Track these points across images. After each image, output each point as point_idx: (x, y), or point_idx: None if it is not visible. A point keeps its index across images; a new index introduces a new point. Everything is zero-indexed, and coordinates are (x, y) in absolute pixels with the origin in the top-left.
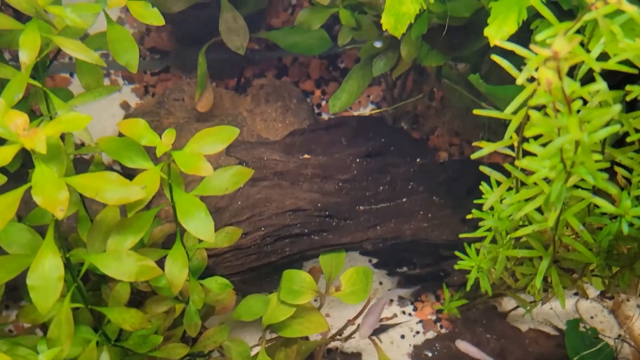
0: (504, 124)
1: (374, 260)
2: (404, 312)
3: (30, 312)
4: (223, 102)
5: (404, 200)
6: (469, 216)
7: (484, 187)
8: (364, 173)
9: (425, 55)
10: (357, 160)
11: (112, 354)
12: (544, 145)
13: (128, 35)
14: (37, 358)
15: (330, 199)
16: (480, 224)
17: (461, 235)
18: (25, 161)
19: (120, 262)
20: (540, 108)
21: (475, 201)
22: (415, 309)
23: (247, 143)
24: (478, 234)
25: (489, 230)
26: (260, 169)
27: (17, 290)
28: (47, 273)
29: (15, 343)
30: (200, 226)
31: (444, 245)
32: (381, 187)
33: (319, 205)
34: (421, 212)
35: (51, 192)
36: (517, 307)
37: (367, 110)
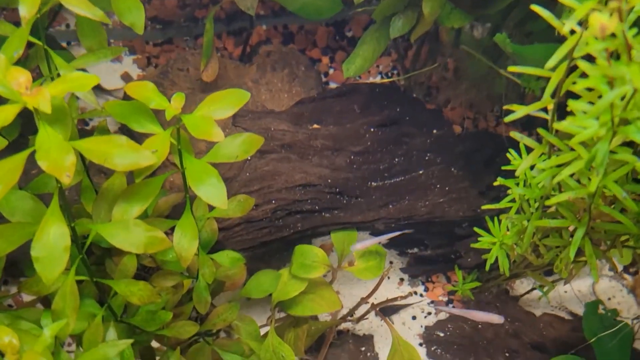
0: (522, 93)
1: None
2: (415, 293)
3: (34, 285)
4: (227, 72)
5: (420, 172)
6: (495, 183)
7: (512, 154)
8: (378, 144)
9: (447, 14)
10: (372, 129)
11: (119, 330)
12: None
13: None
14: (41, 332)
15: (340, 175)
16: (509, 192)
17: (483, 207)
18: (23, 130)
19: (128, 232)
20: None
21: (503, 167)
22: (426, 290)
23: (254, 113)
24: (502, 204)
25: (513, 201)
26: (267, 140)
27: (16, 265)
28: (52, 242)
29: (17, 317)
30: (212, 192)
31: (460, 222)
32: (396, 159)
33: (329, 181)
34: (438, 186)
35: (57, 156)
36: (531, 290)
37: (377, 80)
